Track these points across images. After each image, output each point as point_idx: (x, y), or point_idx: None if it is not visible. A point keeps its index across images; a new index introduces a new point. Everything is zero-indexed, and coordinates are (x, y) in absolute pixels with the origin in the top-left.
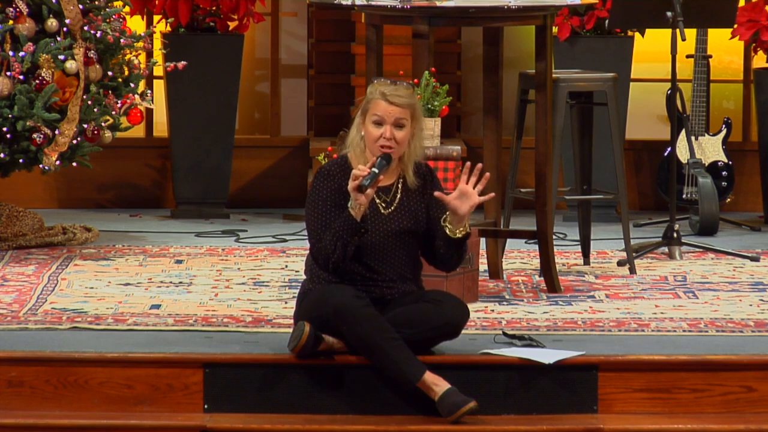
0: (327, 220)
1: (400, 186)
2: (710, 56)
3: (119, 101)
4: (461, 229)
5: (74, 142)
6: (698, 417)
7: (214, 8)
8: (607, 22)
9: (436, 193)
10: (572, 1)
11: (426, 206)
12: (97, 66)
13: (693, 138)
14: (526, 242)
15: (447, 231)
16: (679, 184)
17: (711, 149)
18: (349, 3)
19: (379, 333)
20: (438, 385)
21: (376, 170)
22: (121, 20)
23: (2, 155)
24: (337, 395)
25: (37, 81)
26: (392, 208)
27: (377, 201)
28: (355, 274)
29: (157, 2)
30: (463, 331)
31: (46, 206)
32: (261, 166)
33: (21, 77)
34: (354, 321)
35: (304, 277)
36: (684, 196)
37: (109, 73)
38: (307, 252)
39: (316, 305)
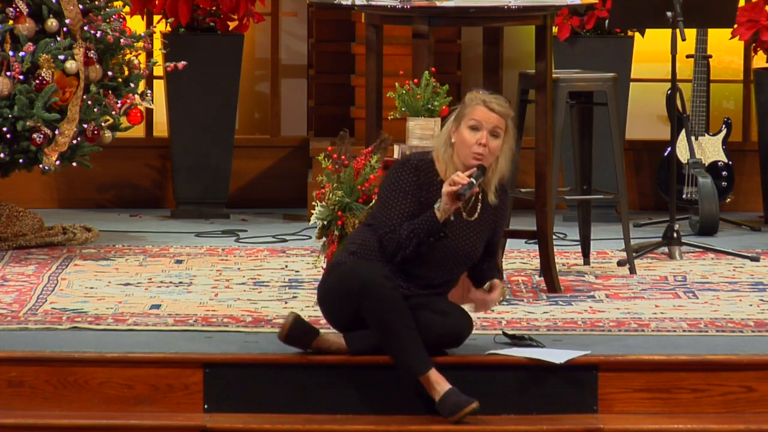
0: (405, 211)
1: (480, 200)
2: (710, 56)
3: (119, 101)
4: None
5: (74, 142)
6: (698, 417)
7: (214, 8)
8: (607, 22)
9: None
10: (572, 1)
11: (491, 228)
12: (97, 66)
13: (693, 138)
14: (526, 242)
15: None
16: (679, 184)
17: (711, 149)
18: (349, 3)
19: (398, 318)
20: (441, 384)
21: (474, 181)
22: (121, 20)
23: (2, 155)
24: (337, 395)
25: (37, 81)
26: (473, 217)
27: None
28: (405, 272)
29: (157, 2)
30: None
31: (46, 206)
32: (261, 166)
33: (21, 77)
34: (377, 300)
35: (304, 276)
36: (684, 196)
37: (109, 73)
38: (359, 226)
39: (344, 277)
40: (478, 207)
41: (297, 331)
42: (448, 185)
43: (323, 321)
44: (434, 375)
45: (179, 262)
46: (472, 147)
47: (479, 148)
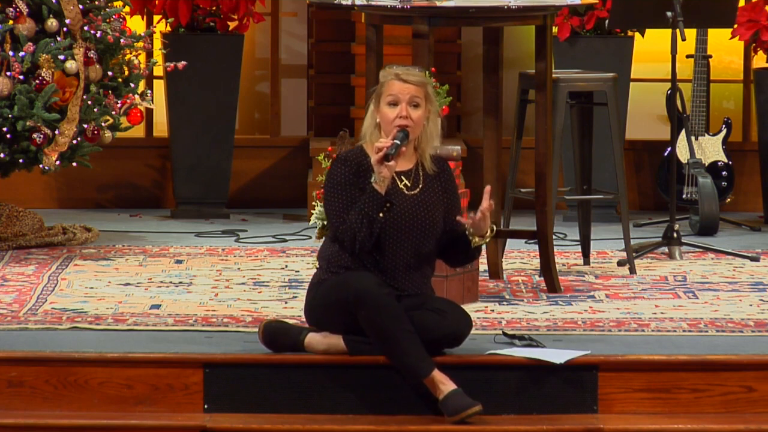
0: (349, 201)
1: (420, 172)
2: (710, 56)
3: (119, 101)
4: (479, 239)
5: (74, 142)
6: (698, 417)
7: (214, 8)
8: (607, 22)
9: (458, 218)
10: (572, 1)
11: (443, 197)
12: (97, 66)
13: (693, 138)
14: (526, 242)
15: (471, 241)
16: (679, 184)
17: (711, 149)
18: (349, 3)
19: (396, 324)
20: (445, 383)
21: (398, 142)
22: (121, 20)
23: (2, 155)
24: (337, 395)
25: (37, 81)
26: (417, 190)
27: (399, 184)
28: (372, 265)
29: (157, 2)
30: None
31: (46, 206)
32: (261, 166)
33: (21, 77)
34: (374, 307)
35: (304, 276)
36: (684, 196)
37: (109, 73)
38: (323, 242)
39: (336, 289)
40: (420, 180)
41: (271, 336)
42: (374, 154)
43: None
44: (438, 375)
45: (179, 262)
46: (395, 121)
47: (401, 120)
